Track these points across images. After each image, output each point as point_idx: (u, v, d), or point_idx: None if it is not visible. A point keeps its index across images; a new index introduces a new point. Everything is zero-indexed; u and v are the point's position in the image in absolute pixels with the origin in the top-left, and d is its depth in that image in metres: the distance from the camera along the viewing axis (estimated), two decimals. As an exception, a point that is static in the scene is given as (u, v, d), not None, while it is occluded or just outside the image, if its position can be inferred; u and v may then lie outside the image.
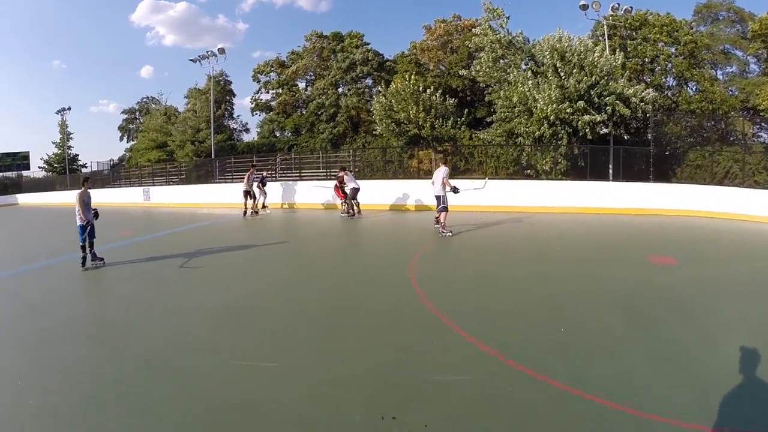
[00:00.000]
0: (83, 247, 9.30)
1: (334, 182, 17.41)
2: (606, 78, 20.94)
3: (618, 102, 20.23)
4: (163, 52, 69.22)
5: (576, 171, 20.89)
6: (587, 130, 20.38)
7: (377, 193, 18.82)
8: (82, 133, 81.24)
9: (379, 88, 25.77)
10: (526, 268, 8.46)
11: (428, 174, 25.24)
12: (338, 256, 10.75)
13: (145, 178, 30.59)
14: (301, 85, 43.51)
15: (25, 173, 51.07)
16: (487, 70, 24.28)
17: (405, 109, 23.75)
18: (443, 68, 34.08)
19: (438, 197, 12.17)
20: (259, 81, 45.98)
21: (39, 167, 51.37)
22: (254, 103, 46.49)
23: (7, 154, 49.95)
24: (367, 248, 12.28)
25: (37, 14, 72.92)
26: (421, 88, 24.32)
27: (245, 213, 18.35)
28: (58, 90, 75.46)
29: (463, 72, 26.14)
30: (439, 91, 24.90)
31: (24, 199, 42.95)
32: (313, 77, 42.26)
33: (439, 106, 24.13)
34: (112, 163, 43.27)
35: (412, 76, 24.86)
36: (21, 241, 15.74)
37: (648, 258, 9.07)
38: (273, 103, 44.29)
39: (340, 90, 39.19)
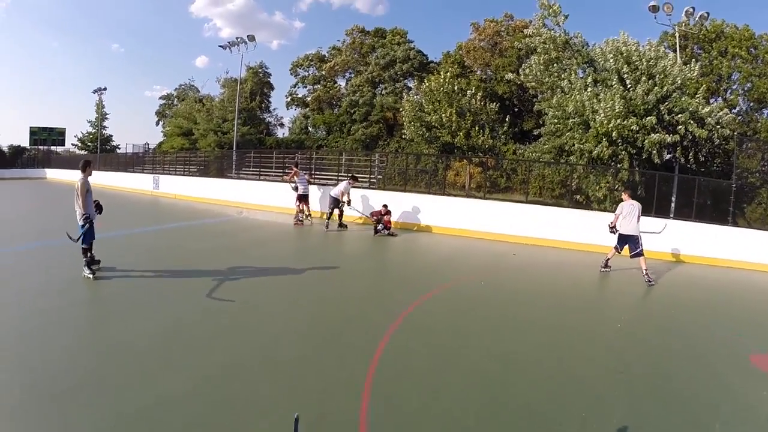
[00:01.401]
0: (86, 251, 7.53)
1: (343, 189, 14.74)
2: (679, 92, 17.81)
3: (691, 122, 17.04)
4: (218, 43, 69.74)
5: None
6: (654, 153, 17.09)
7: (409, 208, 16.12)
8: (131, 116, 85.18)
9: (412, 85, 22.88)
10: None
11: (462, 188, 22.89)
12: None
13: (166, 166, 28.96)
14: (341, 82, 41.67)
15: (60, 149, 52.52)
16: (538, 74, 21.09)
17: (437, 111, 21.04)
18: (490, 72, 31.21)
19: (633, 238, 9.91)
20: (297, 75, 44.41)
21: (72, 144, 52.52)
22: (289, 97, 44.99)
23: (44, 129, 51.07)
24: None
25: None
26: (456, 88, 21.64)
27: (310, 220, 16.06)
28: (114, 72, 79.78)
29: (510, 75, 22.91)
30: (479, 95, 22.12)
31: (52, 174, 43.49)
32: (352, 74, 40.24)
33: (478, 111, 21.45)
34: (146, 147, 42.32)
35: (448, 74, 22.00)
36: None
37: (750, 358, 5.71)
38: (308, 99, 42.56)
39: (376, 89, 36.96)
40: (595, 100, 17.94)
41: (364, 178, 19.57)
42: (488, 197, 17.02)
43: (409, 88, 22.68)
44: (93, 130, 51.12)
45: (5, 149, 50.99)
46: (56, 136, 51.50)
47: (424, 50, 37.49)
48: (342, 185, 14.51)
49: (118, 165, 33.94)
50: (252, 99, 43.66)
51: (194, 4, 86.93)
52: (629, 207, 9.95)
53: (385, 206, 14.30)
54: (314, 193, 16.99)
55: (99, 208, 7.85)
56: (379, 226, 13.91)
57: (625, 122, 16.91)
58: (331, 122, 37.02)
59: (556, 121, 19.45)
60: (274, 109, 47.93)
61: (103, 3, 79.06)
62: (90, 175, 7.61)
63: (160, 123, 52.81)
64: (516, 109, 28.87)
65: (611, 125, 17.06)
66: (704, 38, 24.62)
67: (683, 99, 17.47)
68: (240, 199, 19.86)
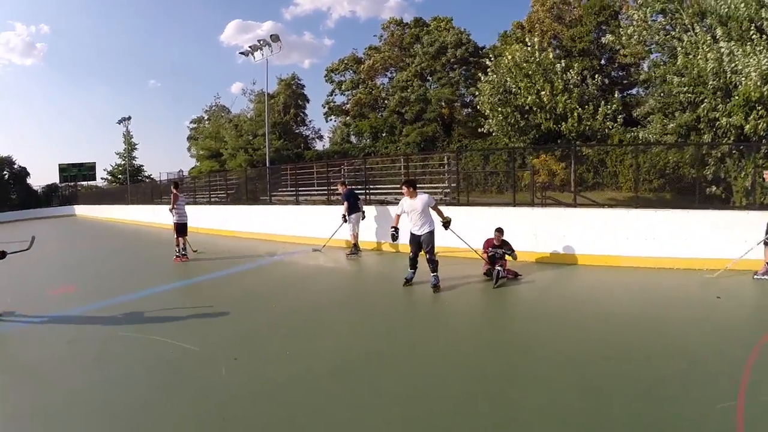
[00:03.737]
0: None
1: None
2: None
3: None
4: (252, 68, 71.34)
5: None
6: None
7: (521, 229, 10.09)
8: (170, 148, 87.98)
9: (489, 62, 17.90)
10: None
11: (545, 189, 17.58)
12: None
13: (192, 193, 24.70)
14: (381, 82, 37.46)
15: (90, 183, 51.49)
16: (645, 32, 16.12)
17: (531, 90, 16.26)
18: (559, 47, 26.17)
19: None
20: (332, 81, 40.39)
21: (102, 178, 51.49)
22: (327, 106, 41.02)
23: (74, 165, 50.38)
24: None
25: (135, 40, 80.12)
26: (552, 58, 17.06)
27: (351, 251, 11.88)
28: (153, 107, 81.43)
29: (609, 38, 17.78)
30: (576, 66, 17.34)
31: (81, 210, 41.37)
32: (393, 72, 35.83)
33: (577, 88, 16.62)
34: (180, 173, 39.37)
35: (535, 41, 17.38)
36: None
37: None
38: (347, 106, 38.41)
39: (427, 82, 32.33)
40: (738, 57, 13.40)
41: (434, 188, 14.81)
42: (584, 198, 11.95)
43: (488, 67, 17.60)
44: (122, 162, 48.91)
45: (39, 189, 50.51)
46: (86, 171, 50.67)
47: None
48: (422, 199, 7.78)
49: (144, 197, 30.29)
50: (286, 112, 39.95)
51: (223, 33, 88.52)
52: None
53: (499, 232, 8.63)
54: (370, 214, 12.32)
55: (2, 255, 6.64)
56: (498, 268, 7.95)
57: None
58: (378, 126, 32.67)
59: (684, 89, 14.52)
60: (311, 121, 43.93)
61: (136, 44, 79.86)
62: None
63: (192, 148, 49.92)
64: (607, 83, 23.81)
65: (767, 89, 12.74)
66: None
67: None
68: (274, 230, 15.38)
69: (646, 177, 18.67)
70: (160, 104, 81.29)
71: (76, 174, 49.80)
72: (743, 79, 13.24)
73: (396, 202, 12.96)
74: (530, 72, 16.65)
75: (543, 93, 16.12)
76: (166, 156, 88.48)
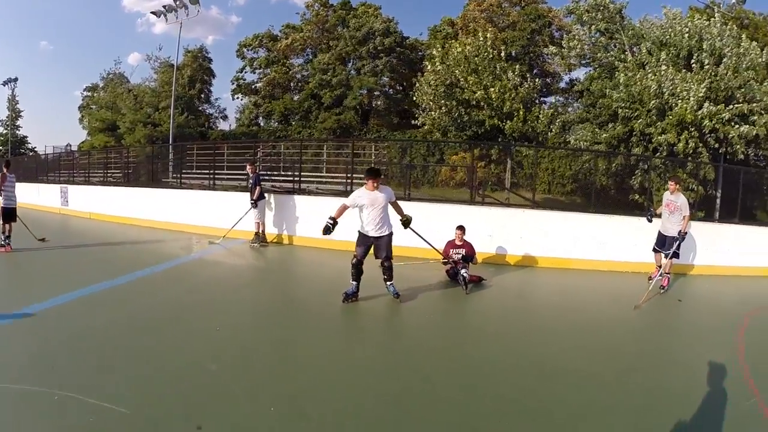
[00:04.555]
0: None
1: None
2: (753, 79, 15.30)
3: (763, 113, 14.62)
4: (152, 39, 65.44)
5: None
6: (739, 148, 14.55)
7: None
8: (59, 118, 75.17)
9: (434, 53, 18.10)
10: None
11: (459, 186, 17.83)
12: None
13: (80, 172, 21.95)
14: (298, 62, 35.99)
15: None
16: (586, 48, 17.95)
17: (478, 85, 16.56)
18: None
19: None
20: (244, 57, 38.19)
21: None
22: (236, 83, 38.62)
23: None
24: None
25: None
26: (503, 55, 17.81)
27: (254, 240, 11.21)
28: (43, 71, 69.47)
29: (552, 49, 19.00)
30: (517, 67, 17.83)
31: None
32: (312, 54, 34.59)
33: (519, 88, 17.08)
34: (68, 147, 35.40)
35: (488, 36, 17.91)
36: None
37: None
38: (258, 85, 36.57)
39: (350, 68, 31.53)
40: (676, 82, 14.91)
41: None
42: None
43: (431, 56, 17.98)
44: (3, 131, 43.16)
45: None
46: None
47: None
48: (385, 193, 6.60)
49: (26, 173, 26.40)
50: (191, 87, 37.18)
51: (126, -2, 78.82)
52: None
53: (461, 230, 8.21)
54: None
55: None
56: (462, 272, 7.50)
57: (716, 109, 14.37)
58: (293, 109, 31.25)
59: (622, 104, 15.74)
60: (217, 99, 41.32)
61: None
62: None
63: (84, 119, 45.20)
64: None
65: (701, 112, 14.43)
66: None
67: (763, 86, 14.94)
68: (183, 219, 13.44)
69: (560, 181, 19.77)
70: (50, 69, 69.92)
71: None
72: (679, 101, 14.60)
73: (318, 192, 12.44)
74: (479, 67, 16.94)
75: (492, 90, 16.36)
76: (54, 128, 78.36)
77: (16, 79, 43.28)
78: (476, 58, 17.14)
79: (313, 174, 16.16)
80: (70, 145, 36.30)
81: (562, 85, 28.55)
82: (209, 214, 12.87)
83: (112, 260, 9.40)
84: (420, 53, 32.30)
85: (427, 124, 18.73)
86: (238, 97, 38.81)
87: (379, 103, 32.53)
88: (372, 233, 6.44)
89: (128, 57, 76.16)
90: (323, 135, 27.24)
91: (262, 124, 34.79)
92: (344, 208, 6.42)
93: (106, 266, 8.70)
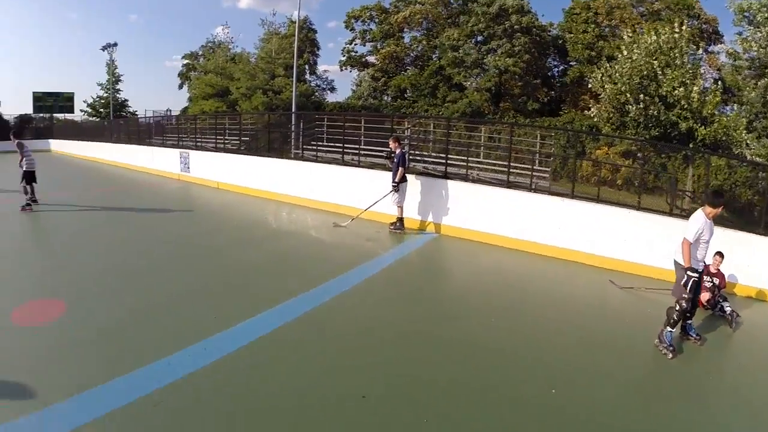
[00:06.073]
0: None
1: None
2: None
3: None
4: (238, 13, 66.87)
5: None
6: None
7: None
8: (151, 86, 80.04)
9: (626, 36, 16.58)
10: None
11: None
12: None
13: (196, 137, 20.05)
14: (413, 36, 33.50)
15: (66, 116, 45.48)
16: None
17: (675, 81, 14.76)
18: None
19: None
20: (353, 29, 36.06)
21: (81, 110, 45.55)
22: (346, 55, 36.65)
23: (50, 94, 44.52)
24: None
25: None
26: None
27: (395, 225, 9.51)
28: (135, 43, 76.42)
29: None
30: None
31: (57, 146, 36.72)
32: (428, 28, 31.81)
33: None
34: (168, 112, 34.92)
35: (684, 27, 15.93)
36: None
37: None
38: (372, 58, 34.29)
39: (483, 46, 28.49)
40: None
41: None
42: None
43: (626, 40, 15.55)
44: (105, 94, 44.20)
45: (11, 119, 43.68)
46: (63, 101, 44.60)
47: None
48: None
49: (131, 136, 25.37)
50: (299, 57, 35.41)
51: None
52: None
53: (720, 256, 6.36)
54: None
55: None
56: (726, 306, 5.81)
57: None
58: (418, 85, 28.58)
59: None
60: (325, 70, 39.22)
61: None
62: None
63: (184, 86, 44.87)
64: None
65: None
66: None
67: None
68: (311, 194, 11.75)
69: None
70: (141, 41, 76.07)
71: (51, 104, 43.97)
72: None
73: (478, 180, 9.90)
74: (677, 61, 15.04)
75: (695, 88, 14.46)
76: (149, 94, 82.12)
77: (115, 44, 43.93)
78: (673, 51, 15.16)
79: (459, 158, 13.30)
80: (170, 110, 35.90)
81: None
82: (338, 192, 11.21)
83: (330, 259, 7.45)
84: (550, 33, 29.69)
85: (596, 116, 17.04)
86: (346, 69, 37.08)
87: (519, 84, 28.93)
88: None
89: (215, 30, 77.24)
90: (452, 115, 24.42)
91: (381, 98, 32.50)
92: (688, 246, 4.70)
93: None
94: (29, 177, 10.58)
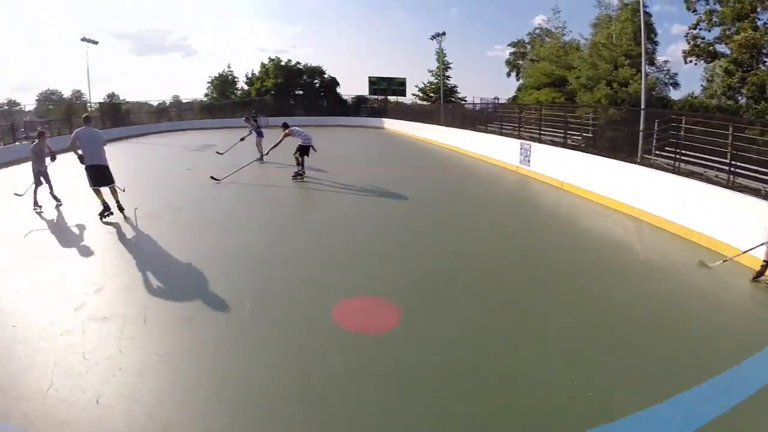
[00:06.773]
0: None
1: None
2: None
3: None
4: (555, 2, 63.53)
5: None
6: None
7: None
8: (475, 75, 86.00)
9: None
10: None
11: None
12: None
13: (530, 128, 19.70)
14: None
15: (400, 99, 52.33)
16: None
17: None
18: None
19: None
20: (695, 11, 30.96)
21: (412, 94, 52.30)
22: (690, 42, 31.73)
23: (384, 79, 51.68)
24: None
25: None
26: None
27: None
28: (454, 34, 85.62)
29: None
30: None
31: (389, 124, 42.08)
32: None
33: None
34: (496, 100, 37.19)
35: None
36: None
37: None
38: (721, 47, 29.29)
39: None
40: None
41: None
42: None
43: None
44: (435, 80, 49.32)
45: (349, 99, 54.12)
46: (396, 86, 51.67)
47: None
48: None
49: (465, 121, 26.93)
50: (636, 44, 32.32)
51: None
52: None
53: None
54: None
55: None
56: None
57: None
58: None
59: None
60: (666, 61, 34.60)
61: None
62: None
63: (512, 74, 46.21)
64: None
65: None
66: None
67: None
68: (677, 217, 8.93)
69: None
70: (462, 33, 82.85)
71: (385, 88, 51.21)
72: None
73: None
74: None
75: None
76: (472, 83, 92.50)
77: (443, 33, 48.03)
78: None
79: None
80: (498, 98, 37.56)
81: None
82: (708, 220, 8.14)
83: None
84: None
85: None
86: (691, 61, 32.08)
87: None
88: None
89: (534, 20, 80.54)
90: None
91: (736, 98, 27.64)
92: None
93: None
94: (303, 150, 13.54)
